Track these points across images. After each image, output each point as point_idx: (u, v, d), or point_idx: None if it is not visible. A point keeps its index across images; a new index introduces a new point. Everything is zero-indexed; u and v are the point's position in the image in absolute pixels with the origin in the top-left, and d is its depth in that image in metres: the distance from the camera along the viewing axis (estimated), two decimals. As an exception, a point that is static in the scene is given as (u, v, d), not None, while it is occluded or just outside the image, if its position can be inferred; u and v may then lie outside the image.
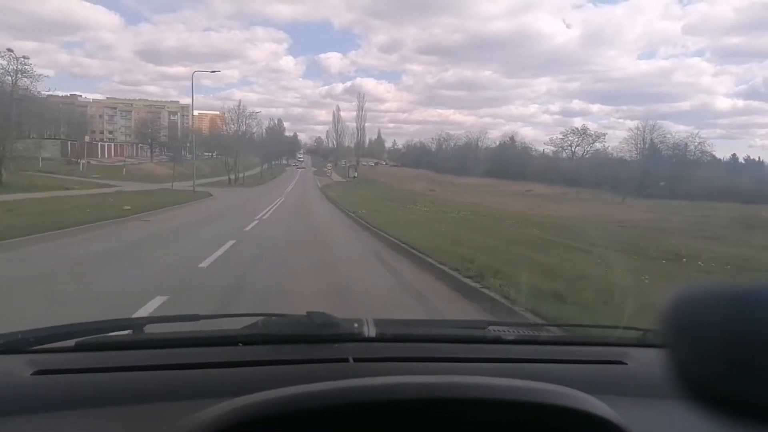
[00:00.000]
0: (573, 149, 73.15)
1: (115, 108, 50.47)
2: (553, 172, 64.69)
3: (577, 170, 60.97)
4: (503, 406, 0.66)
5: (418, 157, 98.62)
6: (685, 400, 0.50)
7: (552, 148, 74.87)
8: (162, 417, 0.86)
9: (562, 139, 74.17)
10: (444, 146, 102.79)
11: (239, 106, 52.76)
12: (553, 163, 71.31)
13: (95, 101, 50.08)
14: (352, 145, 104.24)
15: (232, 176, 46.31)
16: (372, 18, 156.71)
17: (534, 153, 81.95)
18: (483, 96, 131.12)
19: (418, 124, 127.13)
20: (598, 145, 71.56)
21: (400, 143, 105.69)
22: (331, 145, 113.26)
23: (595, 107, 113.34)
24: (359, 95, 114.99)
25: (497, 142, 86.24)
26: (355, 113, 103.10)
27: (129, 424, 0.87)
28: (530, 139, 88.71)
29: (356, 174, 72.53)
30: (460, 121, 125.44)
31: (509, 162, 73.81)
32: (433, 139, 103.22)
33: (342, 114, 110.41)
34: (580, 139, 71.82)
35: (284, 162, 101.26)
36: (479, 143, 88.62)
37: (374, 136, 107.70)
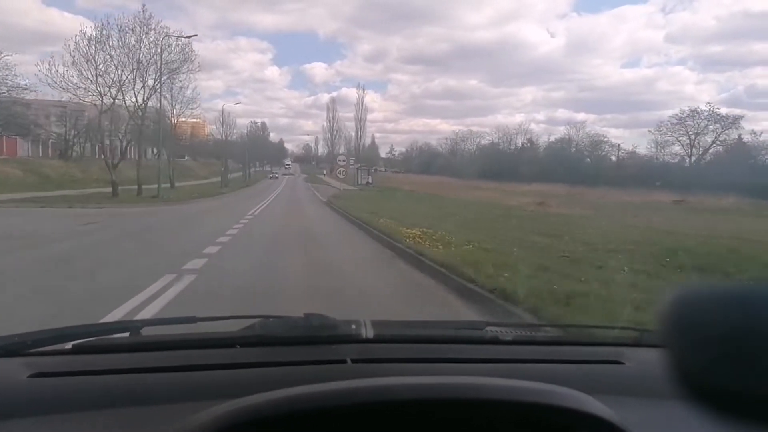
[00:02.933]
0: (692, 139, 43.27)
1: (65, 107, 39.81)
2: (650, 173, 50.80)
3: (707, 171, 46.92)
4: (501, 407, 0.69)
5: (426, 162, 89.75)
6: (682, 399, 0.52)
7: (653, 136, 59.66)
8: (159, 419, 0.92)
9: (676, 124, 44.15)
10: (456, 148, 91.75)
11: (143, 11, 28.14)
12: (648, 164, 58.64)
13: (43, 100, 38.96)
14: (344, 151, 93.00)
15: (140, 184, 27.55)
16: (357, 28, 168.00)
17: (606, 148, 68.28)
18: (469, 105, 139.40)
19: (405, 134, 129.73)
20: (735, 133, 55.56)
21: (398, 149, 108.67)
22: (321, 150, 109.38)
23: (580, 116, 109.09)
24: (358, 86, 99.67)
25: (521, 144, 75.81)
26: (344, 120, 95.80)
27: (126, 427, 0.94)
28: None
29: (370, 180, 54.77)
30: (447, 130, 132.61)
31: (573, 163, 61.45)
32: (447, 139, 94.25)
33: (326, 123, 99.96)
34: (705, 125, 41.45)
35: (268, 169, 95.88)
36: (517, 143, 76.29)
37: (366, 143, 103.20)
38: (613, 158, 64.04)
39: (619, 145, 64.48)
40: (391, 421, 0.67)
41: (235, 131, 60.62)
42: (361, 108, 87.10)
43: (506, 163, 69.12)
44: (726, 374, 0.49)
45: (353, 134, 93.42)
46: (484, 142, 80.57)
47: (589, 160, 64.73)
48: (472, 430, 0.68)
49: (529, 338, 1.50)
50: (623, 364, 1.26)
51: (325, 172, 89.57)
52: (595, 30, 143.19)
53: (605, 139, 66.21)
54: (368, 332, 1.25)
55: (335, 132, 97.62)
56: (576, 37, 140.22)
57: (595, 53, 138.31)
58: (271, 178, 70.85)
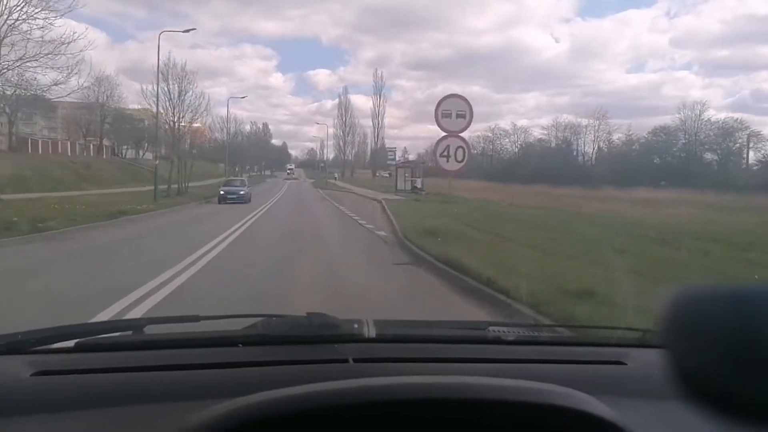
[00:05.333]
0: None
1: (35, 104, 45.11)
2: None
3: None
4: (503, 407, 0.73)
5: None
6: (684, 400, 0.53)
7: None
8: (162, 418, 0.97)
9: None
10: (487, 148, 73.10)
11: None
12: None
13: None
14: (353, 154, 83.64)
15: None
16: (360, 34, 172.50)
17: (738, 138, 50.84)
18: (473, 111, 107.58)
19: (409, 140, 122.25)
20: None
21: (412, 152, 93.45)
22: (327, 155, 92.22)
23: (584, 121, 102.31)
24: (375, 72, 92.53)
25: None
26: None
27: (129, 425, 1.00)
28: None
29: (420, 184, 36.40)
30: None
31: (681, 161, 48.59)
32: (479, 137, 74.31)
33: (330, 130, 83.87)
34: None
35: (267, 173, 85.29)
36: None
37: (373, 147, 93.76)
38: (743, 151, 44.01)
39: (748, 135, 44.01)
40: (391, 420, 0.70)
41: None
42: (379, 101, 77.43)
43: (569, 164, 57.18)
44: (726, 375, 0.50)
45: (366, 137, 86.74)
46: (530, 139, 72.54)
47: (714, 156, 44.15)
48: (474, 430, 0.72)
49: (532, 338, 1.53)
50: (626, 364, 1.32)
51: (336, 176, 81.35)
52: (600, 34, 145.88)
53: (744, 126, 45.78)
54: (370, 332, 1.30)
55: (347, 130, 79.16)
56: (580, 41, 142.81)
57: (599, 58, 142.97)
58: (223, 198, 27.72)
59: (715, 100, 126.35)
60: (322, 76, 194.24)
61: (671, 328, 0.54)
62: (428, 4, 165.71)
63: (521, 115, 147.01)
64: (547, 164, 57.48)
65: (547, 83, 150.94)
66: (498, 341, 1.41)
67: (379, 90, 79.98)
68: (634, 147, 63.36)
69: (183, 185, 33.56)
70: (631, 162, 54.31)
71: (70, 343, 1.22)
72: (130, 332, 1.37)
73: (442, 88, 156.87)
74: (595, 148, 67.36)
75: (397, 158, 76.16)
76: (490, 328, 1.49)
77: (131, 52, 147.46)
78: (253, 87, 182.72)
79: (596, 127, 66.11)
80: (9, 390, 1.05)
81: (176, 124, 33.04)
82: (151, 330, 1.37)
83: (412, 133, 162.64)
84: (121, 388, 1.07)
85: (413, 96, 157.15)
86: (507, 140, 78.68)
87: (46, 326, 1.29)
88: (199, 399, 0.97)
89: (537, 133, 74.60)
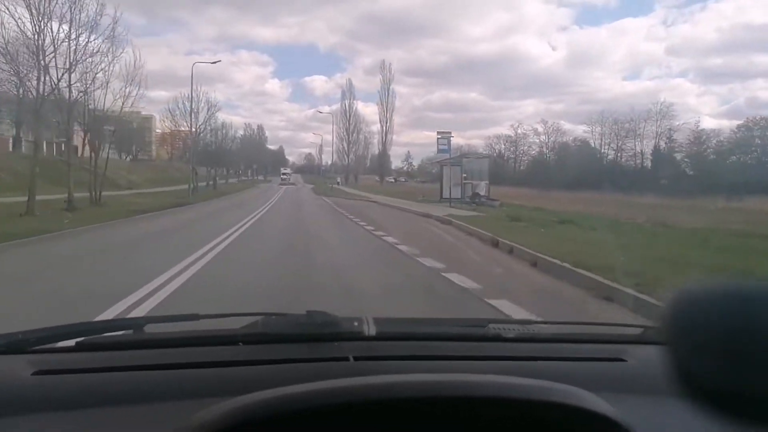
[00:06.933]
0: None
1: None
2: None
3: None
4: (502, 404, 0.73)
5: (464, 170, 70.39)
6: (684, 397, 0.55)
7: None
8: (163, 416, 1.00)
9: None
10: (510, 151, 70.40)
11: None
12: None
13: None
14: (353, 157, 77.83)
15: None
16: (357, 41, 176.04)
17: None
18: (470, 118, 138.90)
19: (406, 147, 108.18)
20: None
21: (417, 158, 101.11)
22: (326, 160, 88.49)
23: (580, 128, 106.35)
24: (383, 64, 74.85)
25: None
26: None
27: (130, 424, 1.04)
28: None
29: (484, 191, 25.99)
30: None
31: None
32: (499, 138, 70.66)
33: (326, 136, 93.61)
34: None
35: (260, 178, 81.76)
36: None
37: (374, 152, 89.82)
38: None
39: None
40: (392, 419, 0.71)
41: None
42: (387, 97, 72.27)
43: (622, 166, 50.20)
44: (726, 373, 0.51)
45: (366, 140, 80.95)
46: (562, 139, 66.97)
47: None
48: (474, 428, 0.73)
49: (532, 335, 1.55)
50: (626, 361, 1.36)
51: (339, 180, 74.61)
52: (597, 43, 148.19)
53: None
54: (371, 329, 1.33)
55: (351, 128, 70.01)
56: (577, 49, 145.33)
57: (596, 66, 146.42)
58: None
59: (710, 107, 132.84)
60: (318, 82, 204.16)
61: (672, 325, 0.55)
62: (425, 12, 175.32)
63: (518, 122, 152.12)
64: (593, 167, 48.20)
65: (544, 90, 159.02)
66: (498, 338, 1.44)
67: (387, 86, 77.24)
68: (705, 146, 53.06)
69: (93, 193, 22.33)
70: (707, 164, 43.99)
71: (71, 342, 1.27)
72: (130, 331, 1.42)
73: (439, 95, 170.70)
74: (654, 147, 56.94)
75: (401, 163, 68.18)
76: (491, 325, 1.52)
77: (126, 59, 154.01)
78: (249, 93, 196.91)
79: (657, 122, 55.63)
80: (9, 389, 1.09)
81: (70, 68, 17.59)
82: (151, 329, 1.42)
83: (408, 140, 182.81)
84: (122, 387, 1.12)
85: (410, 102, 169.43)
86: (533, 141, 74.05)
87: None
88: (200, 397, 1.01)
89: (579, 130, 65.45)
